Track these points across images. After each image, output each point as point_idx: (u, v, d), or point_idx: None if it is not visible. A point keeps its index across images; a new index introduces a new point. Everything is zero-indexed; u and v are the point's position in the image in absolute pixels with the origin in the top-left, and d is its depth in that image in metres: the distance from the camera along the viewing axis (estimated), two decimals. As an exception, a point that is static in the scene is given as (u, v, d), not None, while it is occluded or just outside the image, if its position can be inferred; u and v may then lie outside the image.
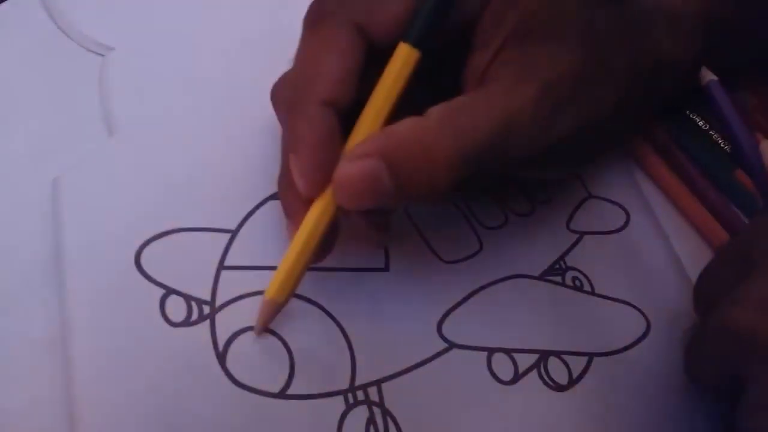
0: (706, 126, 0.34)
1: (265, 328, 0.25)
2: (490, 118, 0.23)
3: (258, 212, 0.29)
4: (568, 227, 0.32)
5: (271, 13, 0.35)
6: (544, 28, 0.25)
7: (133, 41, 0.33)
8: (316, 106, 0.23)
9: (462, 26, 0.26)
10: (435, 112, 0.23)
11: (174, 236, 0.27)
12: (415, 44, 0.24)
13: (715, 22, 0.30)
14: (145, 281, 0.26)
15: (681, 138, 0.34)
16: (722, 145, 0.34)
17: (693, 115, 0.34)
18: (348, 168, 0.22)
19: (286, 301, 0.25)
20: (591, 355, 0.28)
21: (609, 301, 0.30)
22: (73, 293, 0.25)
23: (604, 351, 0.29)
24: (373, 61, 0.25)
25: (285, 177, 0.25)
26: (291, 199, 0.25)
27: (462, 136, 0.23)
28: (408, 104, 0.24)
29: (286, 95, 0.25)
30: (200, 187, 0.29)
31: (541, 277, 0.30)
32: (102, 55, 0.32)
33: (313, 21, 0.25)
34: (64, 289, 0.25)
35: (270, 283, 0.24)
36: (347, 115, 0.24)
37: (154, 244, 0.27)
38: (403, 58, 0.24)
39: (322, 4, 0.25)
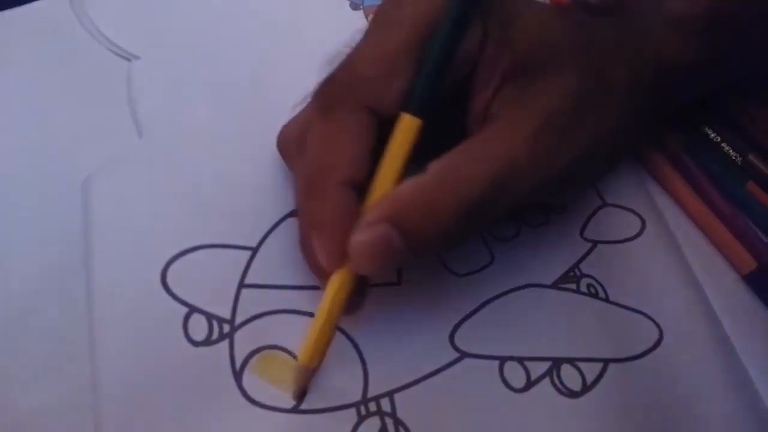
0: (717, 138, 0.34)
1: (303, 394, 0.26)
2: (487, 167, 0.24)
3: (278, 229, 0.30)
4: (581, 236, 0.32)
5: (297, 25, 0.36)
6: (538, 63, 0.25)
7: (158, 49, 0.34)
8: (334, 188, 0.24)
9: (462, 77, 0.26)
10: (434, 167, 0.24)
11: (197, 253, 0.29)
12: (416, 113, 0.25)
13: (722, 23, 0.30)
14: (171, 300, 0.27)
15: (693, 149, 0.34)
16: (734, 158, 0.34)
17: (705, 128, 0.35)
18: (360, 237, 0.23)
19: (319, 365, 0.26)
20: (606, 361, 0.28)
21: (622, 309, 0.30)
22: (100, 306, 0.27)
23: (619, 357, 0.29)
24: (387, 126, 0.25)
25: (307, 243, 0.26)
26: (317, 262, 0.26)
27: (460, 189, 0.23)
28: (418, 158, 0.25)
29: (303, 173, 0.26)
30: (223, 198, 0.30)
31: (554, 286, 0.30)
32: (129, 60, 0.34)
33: (325, 106, 0.26)
34: (91, 299, 0.27)
35: (302, 348, 0.25)
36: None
37: (178, 261, 0.28)
38: (406, 128, 0.25)
39: (331, 90, 0.26)
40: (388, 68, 0.25)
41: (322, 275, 0.25)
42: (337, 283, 0.24)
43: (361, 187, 0.25)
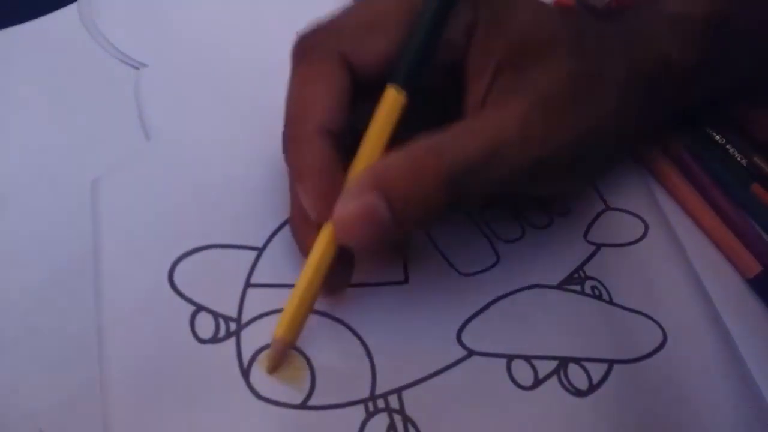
0: (722, 140, 0.34)
1: (277, 366, 0.26)
2: (477, 138, 0.24)
3: (283, 230, 0.30)
4: (585, 239, 0.32)
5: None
6: (533, 50, 0.26)
7: (165, 57, 0.35)
8: (311, 134, 0.24)
9: (449, 63, 0.27)
10: (423, 137, 0.24)
11: (204, 252, 0.29)
12: (402, 86, 0.25)
13: (722, 26, 0.30)
14: (177, 298, 0.27)
15: (698, 152, 0.34)
16: (738, 159, 0.34)
17: (709, 130, 0.35)
18: (346, 205, 0.23)
19: (295, 340, 0.26)
20: (611, 362, 0.28)
21: (626, 311, 0.30)
22: (108, 304, 0.27)
23: (624, 358, 0.29)
24: (364, 93, 0.26)
25: (294, 218, 0.27)
26: (304, 237, 0.26)
27: (448, 157, 0.23)
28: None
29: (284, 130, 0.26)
30: (229, 199, 0.30)
31: (560, 287, 0.30)
32: (137, 68, 0.35)
33: (300, 53, 0.26)
34: (100, 297, 0.27)
35: (279, 322, 0.25)
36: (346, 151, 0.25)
37: (186, 261, 0.28)
38: (391, 101, 0.25)
39: (308, 37, 0.26)
40: (372, 26, 0.26)
41: (306, 251, 0.25)
42: (317, 255, 0.24)
43: (338, 138, 0.25)
